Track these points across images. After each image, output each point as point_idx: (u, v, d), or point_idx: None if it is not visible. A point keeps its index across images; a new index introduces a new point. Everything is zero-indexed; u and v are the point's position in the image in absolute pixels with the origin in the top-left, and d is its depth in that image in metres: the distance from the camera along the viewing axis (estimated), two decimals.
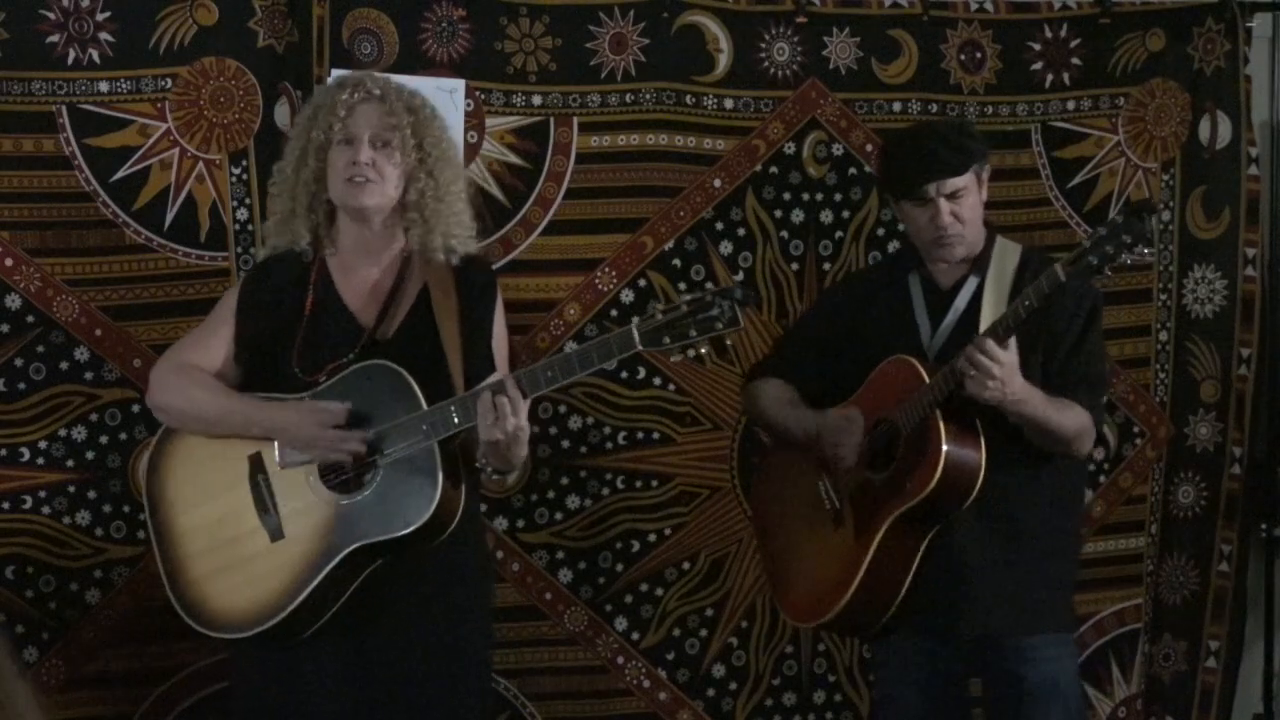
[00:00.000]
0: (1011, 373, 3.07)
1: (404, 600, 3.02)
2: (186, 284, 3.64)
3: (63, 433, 3.59)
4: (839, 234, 4.06)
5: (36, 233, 3.55)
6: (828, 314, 3.57)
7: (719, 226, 3.98)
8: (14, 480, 3.56)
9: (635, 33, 3.90)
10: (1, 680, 1.76)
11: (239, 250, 3.66)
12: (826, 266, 4.06)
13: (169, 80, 3.61)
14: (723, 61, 3.97)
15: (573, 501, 3.94)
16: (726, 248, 3.99)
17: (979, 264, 3.32)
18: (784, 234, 4.03)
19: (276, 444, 3.01)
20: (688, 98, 3.95)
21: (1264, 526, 4.36)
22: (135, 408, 3.57)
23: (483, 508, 3.39)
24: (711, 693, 4.06)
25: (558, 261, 3.88)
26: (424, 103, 3.14)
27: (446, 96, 3.69)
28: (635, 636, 4.00)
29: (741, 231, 4.00)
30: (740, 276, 3.98)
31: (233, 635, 3.02)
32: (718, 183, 3.98)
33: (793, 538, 3.48)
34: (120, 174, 3.59)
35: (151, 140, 3.60)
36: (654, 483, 3.98)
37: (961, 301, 3.31)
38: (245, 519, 3.00)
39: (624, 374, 3.92)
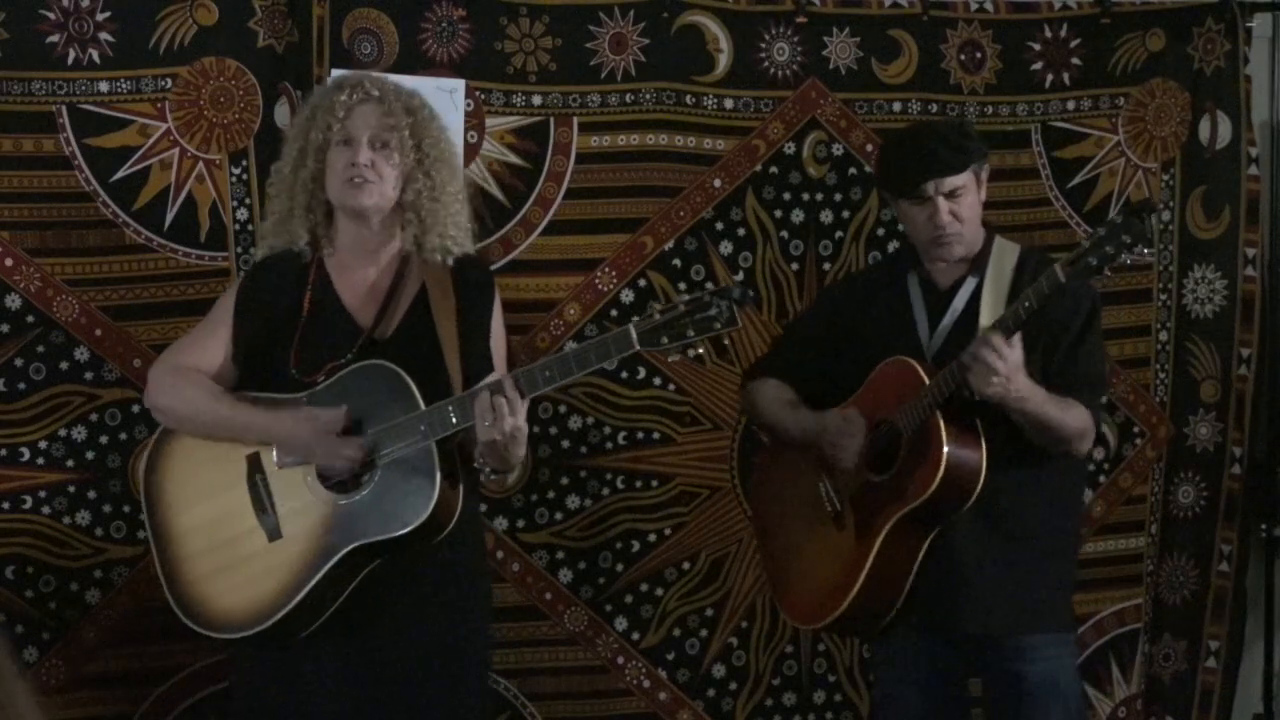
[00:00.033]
0: (1016, 369, 3.06)
1: (403, 600, 3.02)
2: (186, 284, 3.64)
3: (63, 433, 3.59)
4: (839, 234, 4.06)
5: (36, 233, 3.55)
6: (826, 314, 3.57)
7: (719, 226, 3.98)
8: (14, 480, 3.56)
9: (635, 33, 3.90)
10: (1, 680, 1.76)
11: (239, 250, 3.66)
12: (826, 266, 4.06)
13: (169, 80, 3.60)
14: (723, 61, 3.97)
15: (573, 501, 3.94)
16: (726, 248, 3.99)
17: (977, 264, 3.32)
18: (784, 234, 4.03)
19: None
20: (688, 98, 3.94)
21: (1264, 526, 4.36)
22: (135, 408, 3.56)
23: (482, 508, 3.39)
24: (711, 693, 4.06)
25: (558, 261, 3.88)
26: (422, 103, 3.14)
27: (446, 96, 3.69)
28: (635, 636, 3.99)
29: (741, 231, 4.00)
30: (740, 276, 3.98)
31: (231, 635, 3.01)
32: (718, 183, 3.98)
33: (793, 538, 3.48)
34: (120, 174, 3.59)
35: (151, 140, 3.60)
36: (654, 483, 3.98)
37: (960, 301, 3.31)
38: (243, 519, 3.00)
39: (624, 374, 3.91)
